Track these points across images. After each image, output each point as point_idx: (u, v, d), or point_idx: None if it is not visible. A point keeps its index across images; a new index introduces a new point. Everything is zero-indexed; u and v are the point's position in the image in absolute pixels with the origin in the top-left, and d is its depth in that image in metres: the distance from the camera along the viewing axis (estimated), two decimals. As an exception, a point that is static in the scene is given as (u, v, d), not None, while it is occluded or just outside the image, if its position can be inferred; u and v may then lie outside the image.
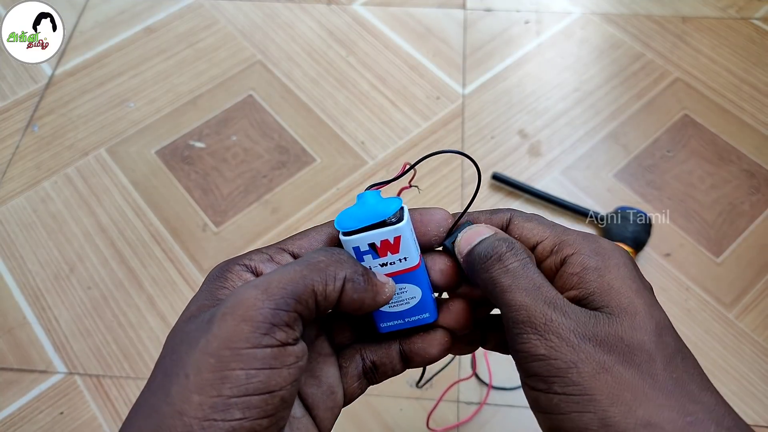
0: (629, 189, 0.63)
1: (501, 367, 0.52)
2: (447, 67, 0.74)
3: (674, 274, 0.58)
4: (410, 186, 0.26)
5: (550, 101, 0.70)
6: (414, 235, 0.25)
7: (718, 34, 0.75)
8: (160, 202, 0.65)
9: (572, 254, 0.22)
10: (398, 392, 0.53)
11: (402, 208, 0.24)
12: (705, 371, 0.21)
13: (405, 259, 0.24)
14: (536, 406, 0.21)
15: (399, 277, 0.25)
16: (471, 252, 0.24)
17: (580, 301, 0.22)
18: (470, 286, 0.26)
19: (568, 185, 0.64)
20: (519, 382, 0.22)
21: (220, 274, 0.23)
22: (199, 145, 0.69)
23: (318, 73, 0.74)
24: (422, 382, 0.53)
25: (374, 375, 0.26)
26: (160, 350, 0.22)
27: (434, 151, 0.28)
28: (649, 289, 0.23)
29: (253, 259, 0.23)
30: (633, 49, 0.75)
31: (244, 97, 0.72)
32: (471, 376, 0.52)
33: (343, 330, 0.27)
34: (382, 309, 0.25)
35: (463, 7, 0.79)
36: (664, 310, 0.22)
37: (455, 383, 0.52)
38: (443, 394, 0.50)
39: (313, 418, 0.24)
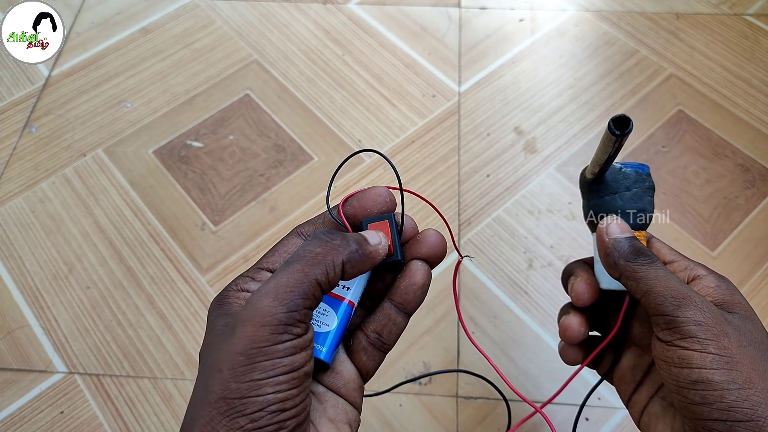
0: (625, 184, 0.64)
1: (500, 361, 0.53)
2: (442, 65, 0.74)
3: (670, 268, 0.58)
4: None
5: (544, 98, 0.71)
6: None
7: (712, 30, 0.76)
8: (158, 202, 0.65)
9: (706, 275, 0.29)
10: (397, 388, 0.53)
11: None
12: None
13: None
14: (686, 364, 0.25)
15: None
16: (623, 241, 0.30)
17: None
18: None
19: (564, 181, 0.64)
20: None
21: (220, 302, 0.26)
22: (196, 144, 0.69)
23: (314, 72, 0.74)
24: None
25: (382, 342, 0.29)
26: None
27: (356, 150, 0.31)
28: None
29: (239, 283, 0.27)
30: (627, 45, 0.75)
31: (241, 97, 0.72)
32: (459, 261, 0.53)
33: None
34: None
35: (458, 5, 0.80)
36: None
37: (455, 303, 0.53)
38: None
39: (343, 396, 0.28)
